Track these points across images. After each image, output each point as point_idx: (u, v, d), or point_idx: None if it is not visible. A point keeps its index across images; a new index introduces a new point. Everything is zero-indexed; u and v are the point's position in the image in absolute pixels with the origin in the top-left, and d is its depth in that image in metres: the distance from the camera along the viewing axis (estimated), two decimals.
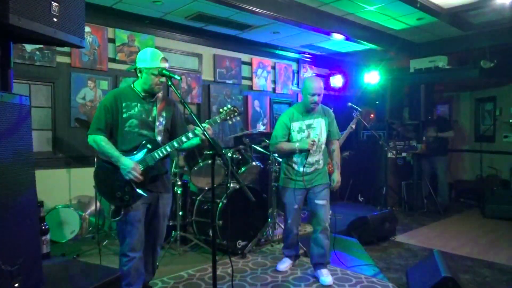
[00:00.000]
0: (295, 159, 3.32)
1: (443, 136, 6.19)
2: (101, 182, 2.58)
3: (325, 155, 3.42)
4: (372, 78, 6.89)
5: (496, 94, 6.89)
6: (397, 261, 3.86)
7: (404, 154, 6.33)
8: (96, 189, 3.50)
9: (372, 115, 7.64)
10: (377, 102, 7.48)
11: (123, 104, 2.55)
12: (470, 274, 3.50)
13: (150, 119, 2.60)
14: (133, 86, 2.62)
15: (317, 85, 3.21)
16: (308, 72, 7.54)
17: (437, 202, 6.04)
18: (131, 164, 2.43)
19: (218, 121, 2.55)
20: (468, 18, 5.50)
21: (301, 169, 3.27)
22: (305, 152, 3.23)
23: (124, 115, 2.54)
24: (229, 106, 2.59)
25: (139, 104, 2.58)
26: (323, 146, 3.36)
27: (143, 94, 2.60)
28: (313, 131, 3.30)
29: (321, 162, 3.34)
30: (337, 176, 3.37)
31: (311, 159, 3.28)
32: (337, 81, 7.82)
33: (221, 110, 2.58)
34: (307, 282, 3.30)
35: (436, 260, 2.94)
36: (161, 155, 2.52)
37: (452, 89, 7.50)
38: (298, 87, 7.40)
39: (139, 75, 2.58)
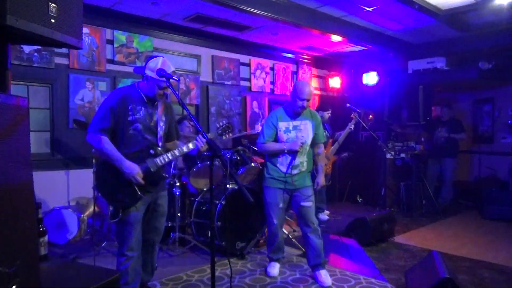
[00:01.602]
0: (280, 159, 3.33)
1: (455, 137, 6.15)
2: (102, 183, 2.59)
3: (310, 158, 3.43)
4: (370, 79, 6.90)
5: (495, 95, 6.90)
6: (396, 262, 3.86)
7: (402, 155, 6.32)
8: (96, 190, 3.50)
9: (370, 116, 7.63)
10: (375, 103, 7.48)
11: (130, 106, 2.53)
12: (468, 275, 3.50)
13: (152, 123, 2.62)
14: (138, 88, 2.62)
15: (308, 90, 3.24)
16: (307, 73, 7.55)
17: (436, 203, 6.04)
18: (135, 169, 2.46)
19: (211, 138, 2.65)
20: (467, 19, 5.50)
21: (287, 170, 3.29)
22: (293, 153, 3.27)
23: (130, 118, 2.53)
24: (224, 122, 2.70)
25: (143, 108, 2.58)
26: (308, 148, 3.39)
27: (146, 99, 2.61)
28: (299, 133, 3.33)
29: (305, 164, 3.36)
30: (321, 179, 3.44)
31: (296, 161, 3.29)
32: (335, 82, 7.85)
33: (217, 125, 2.75)
34: (306, 283, 3.29)
35: (435, 261, 2.94)
36: (163, 162, 2.57)
37: (451, 90, 7.51)
38: None
39: (145, 79, 2.57)
